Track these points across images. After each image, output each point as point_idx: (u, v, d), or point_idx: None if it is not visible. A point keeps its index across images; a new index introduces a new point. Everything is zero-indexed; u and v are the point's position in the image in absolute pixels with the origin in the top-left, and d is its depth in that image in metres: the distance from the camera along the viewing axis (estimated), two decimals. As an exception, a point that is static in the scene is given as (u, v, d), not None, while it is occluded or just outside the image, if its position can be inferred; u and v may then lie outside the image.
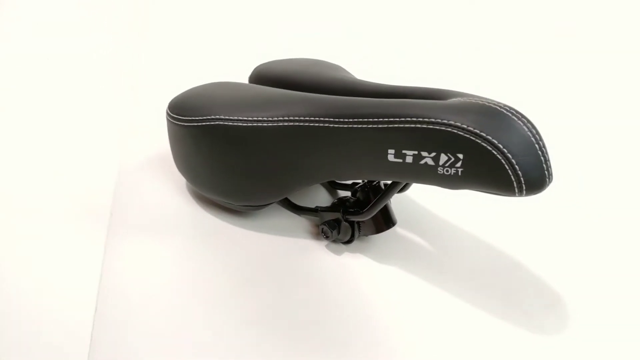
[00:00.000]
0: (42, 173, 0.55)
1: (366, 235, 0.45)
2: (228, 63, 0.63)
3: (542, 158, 0.31)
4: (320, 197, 0.52)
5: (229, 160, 0.42)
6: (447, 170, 0.33)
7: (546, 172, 0.31)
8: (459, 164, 0.32)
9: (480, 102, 0.33)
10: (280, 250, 0.45)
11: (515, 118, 0.31)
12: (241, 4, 0.86)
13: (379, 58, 0.75)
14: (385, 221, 0.44)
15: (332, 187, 0.52)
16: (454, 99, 0.34)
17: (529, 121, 0.32)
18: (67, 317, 0.39)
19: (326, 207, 0.45)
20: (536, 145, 0.31)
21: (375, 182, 0.43)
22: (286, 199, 0.47)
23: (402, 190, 0.45)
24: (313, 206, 0.46)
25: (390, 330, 0.39)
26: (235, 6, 0.86)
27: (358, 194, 0.44)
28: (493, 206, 0.49)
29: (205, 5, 0.88)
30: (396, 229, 0.47)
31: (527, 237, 0.47)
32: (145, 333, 0.38)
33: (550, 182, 0.32)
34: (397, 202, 0.50)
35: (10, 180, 0.53)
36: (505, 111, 0.32)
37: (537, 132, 0.32)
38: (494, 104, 0.32)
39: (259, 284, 0.42)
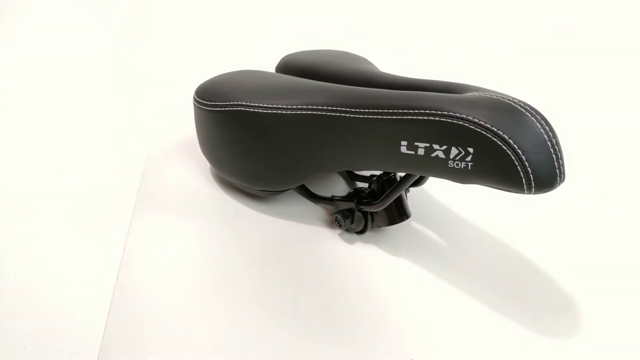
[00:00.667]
0: (74, 157, 0.58)
1: (379, 226, 0.45)
2: (258, 52, 0.64)
3: (553, 156, 0.31)
4: (339, 187, 0.52)
5: (248, 145, 0.44)
6: (457, 164, 0.33)
7: (557, 170, 0.31)
8: (469, 158, 0.32)
9: (494, 97, 0.32)
10: (294, 236, 0.46)
11: (529, 114, 0.31)
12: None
13: (405, 51, 0.75)
14: (399, 213, 0.44)
15: (350, 178, 0.52)
16: (469, 94, 0.34)
17: (543, 118, 0.32)
18: (87, 293, 0.41)
19: (341, 196, 0.46)
20: (548, 143, 0.31)
21: (391, 174, 0.44)
22: (304, 186, 0.48)
23: (417, 184, 0.45)
24: (330, 195, 0.47)
25: (394, 321, 0.39)
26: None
27: (373, 185, 0.44)
28: (510, 204, 0.49)
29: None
30: (411, 222, 0.48)
31: (542, 238, 0.47)
32: (161, 308, 0.40)
33: (561, 180, 0.31)
34: (414, 196, 0.50)
35: (47, 160, 0.57)
36: (519, 107, 0.31)
37: (551, 130, 0.31)
38: (508, 99, 0.32)
39: (271, 268, 0.43)
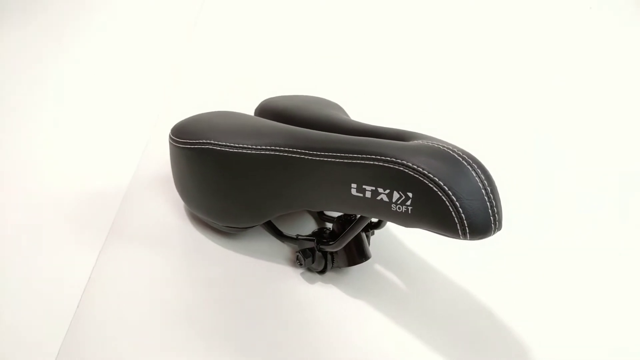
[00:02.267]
0: (62, 174, 0.60)
1: (340, 266, 0.46)
2: (244, 95, 0.67)
3: (487, 204, 0.32)
4: (309, 226, 0.53)
5: (216, 182, 0.45)
6: (399, 208, 0.34)
7: (491, 217, 0.32)
8: (408, 202, 0.34)
9: (434, 145, 0.34)
10: (257, 274, 0.47)
11: (465, 163, 0.33)
12: (266, 45, 0.92)
13: (382, 100, 0.78)
14: (358, 254, 0.45)
15: (320, 218, 0.53)
16: (414, 142, 0.36)
17: (480, 167, 0.33)
18: (50, 310, 0.42)
19: (304, 236, 0.47)
20: (483, 191, 0.32)
21: (350, 216, 0.45)
22: (270, 224, 0.49)
23: (377, 226, 0.46)
24: (295, 234, 0.48)
25: (343, 361, 0.39)
26: (261, 46, 0.92)
27: (333, 226, 0.45)
28: (473, 250, 0.50)
29: (235, 43, 0.95)
30: (374, 265, 0.48)
31: (503, 285, 0.47)
32: (120, 331, 0.40)
33: (497, 228, 0.32)
34: (377, 239, 0.50)
35: (30, 175, 0.59)
36: (456, 155, 0.33)
37: (487, 179, 0.33)
38: (447, 148, 0.34)
39: (229, 304, 0.44)
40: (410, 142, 0.35)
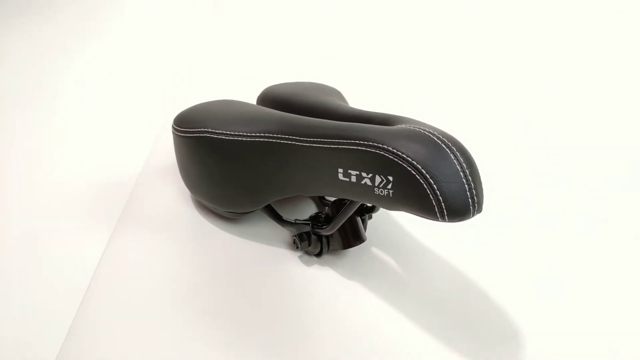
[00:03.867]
0: (77, 163, 0.64)
1: (335, 249, 0.47)
2: (251, 83, 0.69)
3: (466, 186, 0.32)
4: (309, 211, 0.55)
5: (214, 168, 0.47)
6: (381, 191, 0.35)
7: (470, 200, 0.32)
8: (389, 186, 0.34)
9: (415, 129, 0.34)
10: (256, 257, 0.49)
11: (444, 146, 0.33)
12: (273, 33, 0.93)
13: (383, 86, 0.78)
14: (354, 237, 0.46)
15: (320, 202, 0.54)
16: (397, 126, 0.36)
17: (460, 150, 0.33)
18: (61, 290, 0.45)
19: (301, 220, 0.48)
20: (461, 174, 0.32)
21: (344, 200, 0.46)
22: (270, 208, 0.50)
23: (372, 210, 0.47)
24: (301, 218, 0.49)
25: (335, 343, 0.40)
26: (268, 34, 0.94)
27: (327, 210, 0.46)
28: (471, 233, 0.50)
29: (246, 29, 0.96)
30: (371, 248, 0.49)
31: (500, 268, 0.47)
32: (127, 311, 0.43)
33: (476, 210, 0.33)
34: (379, 222, 0.51)
35: (48, 164, 0.62)
36: (435, 139, 0.33)
37: (467, 161, 0.33)
38: (427, 131, 0.34)
39: (228, 286, 0.46)
40: (392, 127, 0.36)
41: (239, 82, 0.78)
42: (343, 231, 0.46)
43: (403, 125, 0.36)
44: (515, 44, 0.87)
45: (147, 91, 0.80)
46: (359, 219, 0.46)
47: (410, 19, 0.96)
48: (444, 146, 0.33)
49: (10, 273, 0.49)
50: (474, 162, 0.33)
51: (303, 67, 0.82)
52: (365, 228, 0.48)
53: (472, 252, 0.48)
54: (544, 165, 0.60)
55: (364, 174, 0.36)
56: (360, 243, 0.46)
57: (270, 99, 0.55)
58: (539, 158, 0.61)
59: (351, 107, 0.46)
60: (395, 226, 0.51)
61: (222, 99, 0.55)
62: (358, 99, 0.58)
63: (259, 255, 0.49)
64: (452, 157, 0.32)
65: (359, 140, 0.35)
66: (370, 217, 0.50)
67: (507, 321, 0.42)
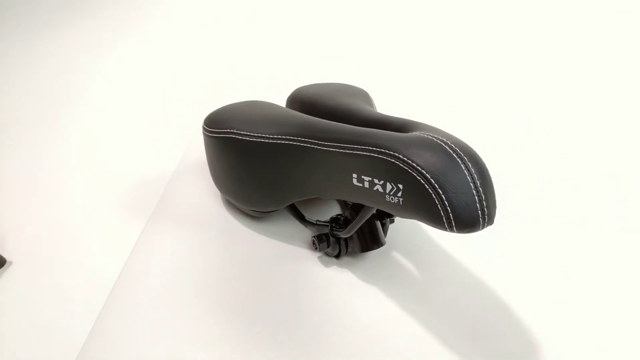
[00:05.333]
0: (118, 158, 0.67)
1: (354, 252, 0.47)
2: (284, 83, 0.70)
3: (476, 198, 0.31)
4: (334, 212, 0.55)
5: (238, 168, 0.48)
6: (392, 199, 0.35)
7: (479, 212, 0.31)
8: (399, 194, 0.34)
9: (427, 137, 0.34)
10: (277, 255, 0.50)
11: (455, 155, 0.32)
12: (309, 34, 0.94)
13: (414, 90, 0.77)
14: (373, 241, 0.46)
15: (345, 205, 0.55)
16: (412, 133, 0.36)
17: (473, 161, 0.32)
18: (87, 284, 0.48)
19: (321, 221, 0.49)
20: (471, 184, 0.31)
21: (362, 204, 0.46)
22: (294, 208, 0.51)
23: (391, 215, 0.47)
24: (320, 219, 0.50)
25: (344, 345, 0.41)
26: (305, 35, 0.94)
27: (346, 213, 0.47)
28: (494, 245, 0.49)
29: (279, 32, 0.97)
30: (391, 252, 0.49)
31: (520, 280, 0.45)
32: (154, 299, 0.45)
33: (486, 223, 0.32)
34: (400, 227, 0.51)
35: (92, 159, 0.67)
36: (447, 148, 0.33)
37: (480, 174, 0.32)
38: (440, 140, 0.33)
39: (248, 282, 0.47)
40: (407, 134, 0.36)
41: (275, 82, 0.79)
42: (362, 234, 0.46)
43: (417, 133, 0.36)
44: (540, 52, 0.83)
45: (186, 92, 0.83)
46: (378, 223, 0.46)
47: (447, 24, 0.95)
48: (455, 156, 0.32)
49: (46, 259, 0.53)
50: (488, 173, 0.33)
51: (337, 67, 0.83)
52: (385, 232, 0.48)
53: (494, 262, 0.47)
54: (567, 173, 0.58)
55: (376, 181, 0.36)
56: (379, 247, 0.46)
57: (298, 100, 0.56)
58: (561, 166, 0.59)
59: (373, 111, 0.46)
60: (417, 231, 0.51)
61: (252, 99, 0.56)
62: (387, 101, 0.58)
63: (280, 253, 0.50)
64: (463, 168, 0.32)
65: (372, 147, 0.35)
66: (393, 222, 0.50)
67: (523, 337, 0.40)
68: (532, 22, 0.95)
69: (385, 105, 0.63)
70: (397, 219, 0.51)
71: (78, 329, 0.44)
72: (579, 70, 0.79)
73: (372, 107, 0.52)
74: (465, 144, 0.34)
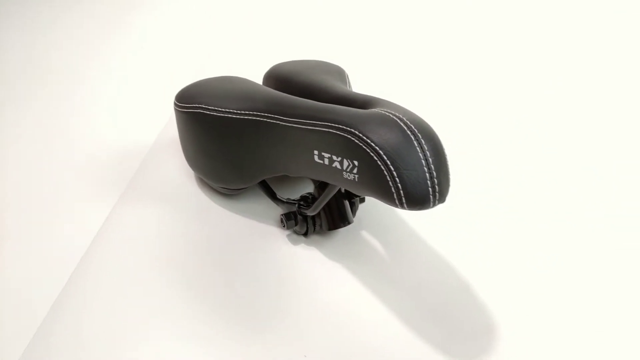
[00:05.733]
0: (96, 130, 0.67)
1: (322, 230, 0.47)
2: (265, 61, 0.69)
3: (426, 175, 0.31)
4: (309, 190, 0.55)
5: (206, 144, 0.48)
6: (349, 176, 0.35)
7: (430, 189, 0.31)
8: (355, 170, 0.34)
9: (384, 113, 0.33)
10: (246, 232, 0.50)
11: (409, 132, 0.32)
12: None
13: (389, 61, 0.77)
14: (340, 219, 0.46)
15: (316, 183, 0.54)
16: (370, 109, 0.35)
17: (427, 138, 0.32)
18: (61, 250, 0.49)
19: (291, 200, 0.48)
20: (423, 162, 0.31)
21: (329, 182, 0.45)
22: (266, 185, 0.51)
23: (358, 195, 0.47)
24: (290, 198, 0.50)
25: (301, 319, 0.41)
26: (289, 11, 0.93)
27: (314, 191, 0.46)
28: (466, 226, 0.48)
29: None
30: (361, 231, 0.49)
31: (489, 264, 0.45)
32: (120, 275, 0.46)
33: (435, 200, 0.32)
34: (371, 206, 0.51)
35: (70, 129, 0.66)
36: (402, 124, 0.32)
37: (434, 151, 0.32)
38: (396, 117, 0.33)
39: (217, 256, 0.47)
40: (365, 110, 0.35)
41: (259, 58, 0.78)
42: (329, 212, 0.46)
43: (376, 109, 0.35)
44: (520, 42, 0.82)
45: (169, 68, 0.82)
46: (346, 202, 0.46)
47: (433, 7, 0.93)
48: (409, 132, 0.32)
49: (13, 229, 0.53)
50: (442, 151, 0.32)
51: (320, 44, 0.81)
52: (355, 211, 0.48)
53: (461, 244, 0.47)
54: (537, 160, 0.58)
55: (334, 157, 0.35)
56: (346, 225, 0.46)
57: (274, 76, 0.55)
58: (533, 151, 0.59)
59: (341, 88, 0.46)
60: (387, 211, 0.51)
61: (224, 75, 0.56)
62: (366, 79, 0.57)
63: (250, 231, 0.50)
64: (416, 145, 0.31)
65: (331, 123, 0.35)
66: (363, 201, 0.50)
67: (483, 318, 0.40)
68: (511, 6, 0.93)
69: (365, 83, 0.62)
70: (367, 199, 0.50)
71: (40, 303, 0.44)
72: (558, 61, 0.78)
73: (346, 84, 0.51)
74: (422, 121, 0.33)
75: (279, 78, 0.54)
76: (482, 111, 0.67)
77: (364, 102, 0.39)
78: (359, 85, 0.59)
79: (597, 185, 0.53)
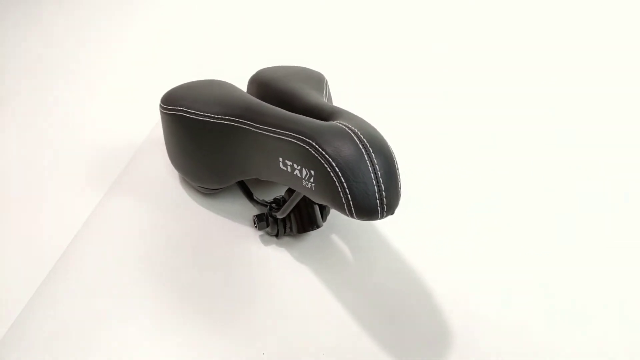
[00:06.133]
0: (87, 125, 0.70)
1: (292, 232, 0.49)
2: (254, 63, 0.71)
3: (374, 188, 0.33)
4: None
5: (186, 145, 0.50)
6: (306, 184, 0.36)
7: (378, 201, 0.33)
8: (312, 180, 0.36)
9: (340, 126, 0.35)
10: (220, 231, 0.52)
11: (361, 146, 0.34)
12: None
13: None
14: (309, 222, 0.48)
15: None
16: (331, 121, 0.37)
17: (379, 152, 0.34)
18: (44, 242, 0.51)
19: (263, 201, 0.50)
20: (372, 175, 0.33)
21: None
22: (244, 186, 0.53)
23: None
24: (265, 199, 0.52)
25: (263, 317, 0.43)
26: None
27: (285, 194, 0.48)
28: (436, 236, 0.50)
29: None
30: (331, 235, 0.51)
31: (448, 272, 0.47)
32: (100, 269, 0.48)
33: (383, 212, 0.33)
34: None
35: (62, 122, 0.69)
36: (355, 137, 0.34)
37: (385, 165, 0.33)
38: (350, 130, 0.34)
39: (190, 252, 0.49)
40: (326, 122, 0.37)
41: (251, 60, 0.80)
42: (299, 216, 0.48)
43: (335, 122, 0.37)
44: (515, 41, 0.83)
45: (163, 69, 0.84)
46: (316, 206, 0.48)
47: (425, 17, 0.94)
48: (361, 146, 0.33)
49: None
50: (393, 165, 0.34)
51: (314, 50, 0.83)
52: (325, 215, 0.49)
53: (427, 252, 0.49)
54: (507, 165, 0.60)
55: (295, 165, 0.37)
56: (315, 229, 0.48)
57: (256, 81, 0.57)
58: (502, 157, 0.61)
59: (313, 97, 0.47)
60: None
61: (212, 79, 0.58)
62: (347, 87, 0.59)
63: (224, 230, 0.52)
64: (366, 158, 0.33)
65: (293, 133, 0.37)
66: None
67: (440, 324, 0.42)
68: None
69: (349, 88, 0.64)
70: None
71: (19, 296, 0.46)
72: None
73: (322, 91, 0.53)
74: (377, 135, 0.35)
75: (260, 83, 0.56)
76: (455, 117, 0.68)
77: (329, 113, 0.41)
78: (344, 90, 0.61)
79: (566, 188, 0.55)
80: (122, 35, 0.95)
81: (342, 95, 0.59)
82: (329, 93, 0.55)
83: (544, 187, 0.56)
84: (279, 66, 0.61)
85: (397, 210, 0.34)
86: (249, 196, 0.53)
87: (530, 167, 0.59)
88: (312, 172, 0.35)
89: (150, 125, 0.68)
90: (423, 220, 0.52)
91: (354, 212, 0.33)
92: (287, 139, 0.37)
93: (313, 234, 0.50)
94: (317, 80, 0.55)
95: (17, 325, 0.44)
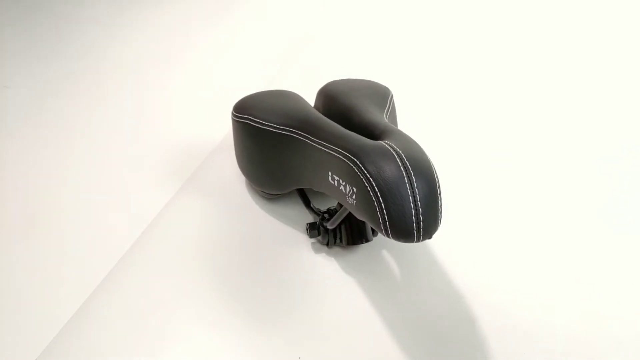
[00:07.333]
0: (163, 130, 0.76)
1: (341, 243, 0.50)
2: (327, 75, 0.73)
3: (412, 211, 0.33)
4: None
5: (252, 152, 0.53)
6: (349, 200, 0.37)
7: (414, 225, 0.33)
8: (354, 196, 0.36)
9: (384, 146, 0.36)
10: (276, 235, 0.54)
11: (402, 168, 0.34)
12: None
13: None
14: (358, 235, 0.49)
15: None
16: (379, 141, 0.38)
17: (421, 175, 0.34)
18: (115, 233, 0.57)
19: (319, 211, 0.52)
20: (410, 198, 0.33)
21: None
22: (303, 193, 0.55)
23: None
24: (321, 208, 0.53)
25: (312, 325, 0.45)
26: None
27: (336, 206, 0.49)
28: (483, 255, 0.49)
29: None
30: (381, 250, 0.51)
31: (498, 300, 0.45)
32: (164, 262, 0.53)
33: (420, 236, 0.33)
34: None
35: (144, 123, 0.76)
36: (397, 158, 0.34)
37: (424, 188, 0.33)
38: (394, 151, 0.35)
39: (245, 253, 0.52)
40: (373, 142, 0.38)
41: (324, 72, 0.82)
42: (349, 228, 0.49)
43: (382, 141, 0.37)
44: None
45: (242, 76, 0.88)
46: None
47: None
48: (402, 168, 0.34)
49: (80, 206, 0.62)
50: (435, 190, 0.34)
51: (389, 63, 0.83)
52: (375, 231, 0.50)
53: (479, 276, 0.47)
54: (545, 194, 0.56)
55: (341, 181, 0.38)
56: (364, 242, 0.49)
57: (323, 94, 0.59)
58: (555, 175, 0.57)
59: (371, 114, 0.48)
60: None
61: (283, 89, 0.60)
62: (415, 102, 0.59)
63: (279, 234, 0.54)
64: (406, 181, 0.33)
65: (342, 150, 0.38)
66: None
67: (481, 353, 0.41)
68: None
69: (409, 106, 0.64)
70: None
71: (87, 282, 0.52)
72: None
73: (384, 107, 0.53)
74: (421, 158, 0.35)
75: (327, 96, 0.57)
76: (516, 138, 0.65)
77: (382, 132, 0.41)
78: (410, 104, 0.61)
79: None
80: (209, 43, 1.02)
81: (408, 110, 0.60)
82: (393, 107, 0.56)
83: (601, 213, 0.53)
84: (347, 79, 0.62)
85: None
86: (307, 204, 0.55)
87: (584, 191, 0.56)
88: (355, 189, 0.36)
89: (225, 131, 0.73)
90: (474, 244, 0.51)
91: (390, 232, 0.33)
92: (336, 154, 0.39)
93: (363, 247, 0.51)
94: (382, 96, 0.56)
95: (85, 306, 0.49)
